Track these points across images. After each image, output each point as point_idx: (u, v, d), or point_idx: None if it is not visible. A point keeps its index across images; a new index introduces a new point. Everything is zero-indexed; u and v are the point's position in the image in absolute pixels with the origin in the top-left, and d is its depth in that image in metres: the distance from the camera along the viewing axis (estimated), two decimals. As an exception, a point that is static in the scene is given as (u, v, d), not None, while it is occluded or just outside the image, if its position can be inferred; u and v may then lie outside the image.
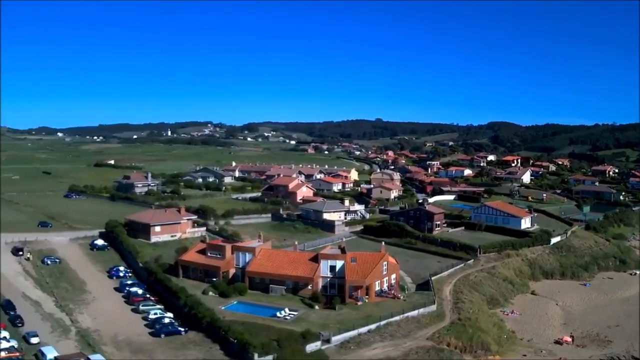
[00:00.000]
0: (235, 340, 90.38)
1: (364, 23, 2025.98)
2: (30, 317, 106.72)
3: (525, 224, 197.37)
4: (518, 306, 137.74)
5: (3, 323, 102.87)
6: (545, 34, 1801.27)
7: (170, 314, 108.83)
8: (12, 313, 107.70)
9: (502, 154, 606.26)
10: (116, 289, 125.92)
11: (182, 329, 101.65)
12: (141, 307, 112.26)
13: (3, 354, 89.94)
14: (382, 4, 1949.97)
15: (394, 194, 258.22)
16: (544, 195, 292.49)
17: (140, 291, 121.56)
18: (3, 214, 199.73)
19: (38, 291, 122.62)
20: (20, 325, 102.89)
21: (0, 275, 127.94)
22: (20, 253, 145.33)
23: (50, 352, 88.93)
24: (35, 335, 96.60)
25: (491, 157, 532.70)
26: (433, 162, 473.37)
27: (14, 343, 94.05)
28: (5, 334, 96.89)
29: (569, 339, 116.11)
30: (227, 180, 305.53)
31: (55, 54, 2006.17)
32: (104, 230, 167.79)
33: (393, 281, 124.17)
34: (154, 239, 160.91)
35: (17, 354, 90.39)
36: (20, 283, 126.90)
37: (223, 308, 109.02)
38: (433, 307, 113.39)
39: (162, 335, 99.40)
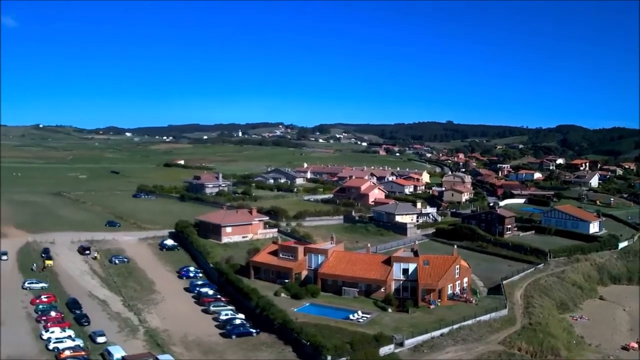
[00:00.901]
0: (308, 343, 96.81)
1: (435, 27, 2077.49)
2: (96, 316, 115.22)
3: (594, 228, 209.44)
4: (586, 311, 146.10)
5: (68, 322, 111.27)
6: (615, 38, 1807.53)
7: (242, 315, 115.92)
8: (77, 312, 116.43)
9: (571, 158, 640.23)
10: (186, 290, 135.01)
11: (254, 330, 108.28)
12: (212, 308, 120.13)
13: (67, 352, 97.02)
14: (448, 8, 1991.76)
15: (465, 196, 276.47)
16: (612, 199, 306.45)
17: (210, 292, 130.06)
18: (70, 212, 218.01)
19: (105, 290, 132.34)
20: (86, 324, 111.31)
21: (54, 273, 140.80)
22: (87, 252, 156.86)
23: (117, 352, 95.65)
24: (102, 335, 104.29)
25: (560, 161, 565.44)
26: (503, 165, 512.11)
27: (79, 342, 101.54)
28: (70, 332, 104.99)
29: (636, 345, 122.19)
30: (299, 181, 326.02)
31: (125, 54, 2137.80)
32: (173, 230, 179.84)
33: (465, 285, 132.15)
34: (225, 239, 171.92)
35: (83, 353, 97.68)
36: (87, 282, 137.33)
37: (295, 310, 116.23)
38: (504, 312, 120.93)
39: (234, 337, 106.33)
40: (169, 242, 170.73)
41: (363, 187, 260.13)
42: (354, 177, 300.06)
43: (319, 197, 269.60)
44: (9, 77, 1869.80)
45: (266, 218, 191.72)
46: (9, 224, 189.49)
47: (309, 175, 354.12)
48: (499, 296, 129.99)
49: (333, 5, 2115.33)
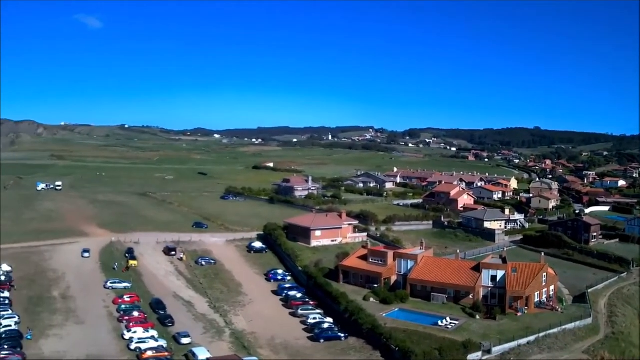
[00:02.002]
0: (397, 348, 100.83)
1: (522, 35, 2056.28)
2: (181, 317, 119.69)
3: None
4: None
5: (151, 322, 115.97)
6: None
7: (330, 319, 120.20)
8: (161, 312, 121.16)
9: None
10: (274, 292, 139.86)
11: (342, 335, 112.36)
12: (300, 311, 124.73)
13: (150, 353, 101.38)
14: (529, 15, 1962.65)
15: (552, 203, 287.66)
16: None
17: (299, 295, 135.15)
18: (156, 213, 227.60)
19: (191, 291, 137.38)
20: (170, 325, 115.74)
21: (138, 273, 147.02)
22: (173, 253, 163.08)
23: (202, 354, 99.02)
24: (187, 336, 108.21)
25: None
26: (589, 172, 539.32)
27: (162, 343, 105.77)
28: (153, 333, 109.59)
29: None
30: (389, 185, 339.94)
31: (214, 54, 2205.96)
32: (262, 232, 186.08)
33: (551, 292, 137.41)
34: (314, 243, 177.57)
35: (166, 353, 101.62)
36: (172, 283, 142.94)
37: (384, 315, 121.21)
38: (589, 320, 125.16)
39: (322, 340, 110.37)
40: (257, 244, 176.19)
41: (452, 193, 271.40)
42: (443, 183, 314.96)
43: (409, 202, 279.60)
44: (94, 77, 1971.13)
45: (356, 222, 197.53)
46: (92, 224, 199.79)
47: (398, 179, 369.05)
48: (584, 305, 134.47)
49: (429, 10, 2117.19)
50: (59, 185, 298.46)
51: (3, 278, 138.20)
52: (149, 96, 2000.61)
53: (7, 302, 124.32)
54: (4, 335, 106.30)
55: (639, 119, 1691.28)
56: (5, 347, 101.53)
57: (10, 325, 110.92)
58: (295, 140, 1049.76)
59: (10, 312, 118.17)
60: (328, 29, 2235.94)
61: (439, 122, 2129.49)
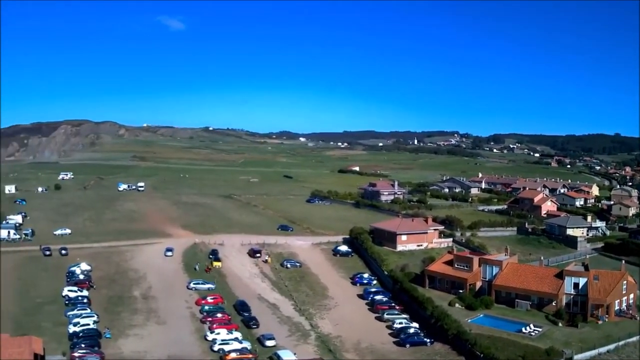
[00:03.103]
0: (482, 355, 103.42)
1: (603, 39, 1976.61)
2: (266, 320, 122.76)
3: None
4: None
5: (235, 324, 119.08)
6: None
7: (416, 324, 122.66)
8: (246, 314, 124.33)
9: None
10: (359, 296, 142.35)
11: (428, 340, 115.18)
12: (386, 316, 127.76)
13: (234, 354, 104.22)
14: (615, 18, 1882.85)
15: (632, 211, 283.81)
16: None
17: (384, 299, 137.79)
18: (240, 215, 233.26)
19: (276, 294, 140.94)
20: (254, 327, 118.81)
21: (222, 275, 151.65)
22: (258, 255, 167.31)
23: (287, 356, 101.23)
24: (272, 338, 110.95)
25: None
26: None
27: (246, 344, 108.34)
28: (237, 334, 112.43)
29: None
30: (474, 191, 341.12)
31: (300, 58, 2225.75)
32: (347, 236, 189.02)
33: (631, 301, 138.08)
34: (399, 247, 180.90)
35: (250, 355, 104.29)
36: (257, 285, 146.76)
37: (469, 321, 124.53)
38: None
39: (407, 345, 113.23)
40: (343, 248, 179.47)
41: (536, 199, 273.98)
42: (527, 189, 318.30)
43: (493, 207, 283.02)
44: (177, 79, 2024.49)
45: (441, 227, 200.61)
46: (175, 225, 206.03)
47: (483, 185, 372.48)
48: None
49: (514, 16, 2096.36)
50: (141, 186, 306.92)
51: (82, 277, 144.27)
52: (233, 98, 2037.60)
53: (85, 300, 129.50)
54: (81, 334, 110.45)
55: None
56: (83, 345, 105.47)
57: (89, 324, 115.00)
58: (380, 144, 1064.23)
59: (88, 310, 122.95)
60: (416, 34, 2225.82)
61: (522, 128, 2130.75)
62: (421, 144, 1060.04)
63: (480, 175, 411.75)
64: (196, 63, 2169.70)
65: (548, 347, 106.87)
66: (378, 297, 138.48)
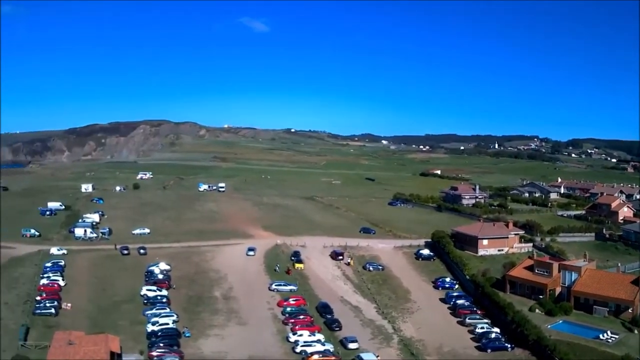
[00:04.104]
0: None
1: None
2: (348, 322, 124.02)
3: None
4: None
5: (317, 326, 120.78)
6: None
7: (497, 329, 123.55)
8: (328, 316, 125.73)
9: None
10: (441, 300, 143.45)
11: (509, 345, 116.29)
12: (467, 320, 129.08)
13: (316, 356, 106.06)
14: None
15: None
16: None
17: (466, 303, 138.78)
18: (322, 217, 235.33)
19: (358, 296, 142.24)
20: (337, 329, 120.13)
21: (304, 277, 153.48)
22: (340, 257, 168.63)
23: (369, 359, 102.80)
24: (354, 341, 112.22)
25: None
26: None
27: (329, 347, 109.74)
28: (319, 337, 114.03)
29: None
30: (553, 196, 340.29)
31: (382, 60, 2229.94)
32: (429, 240, 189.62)
33: None
34: (481, 252, 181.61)
35: (333, 358, 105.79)
36: (339, 287, 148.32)
37: (549, 327, 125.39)
38: None
39: (489, 350, 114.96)
40: (425, 251, 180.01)
41: (613, 205, 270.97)
42: (605, 194, 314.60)
43: (572, 213, 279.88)
44: (259, 81, 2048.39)
45: (522, 232, 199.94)
46: (257, 226, 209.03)
47: (562, 190, 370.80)
48: None
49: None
50: (222, 187, 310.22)
51: (161, 277, 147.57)
52: (315, 101, 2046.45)
53: (164, 300, 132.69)
54: (159, 333, 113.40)
55: None
56: (161, 344, 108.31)
57: (168, 324, 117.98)
58: (462, 147, 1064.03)
59: (167, 310, 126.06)
60: (494, 36, 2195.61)
61: (600, 133, 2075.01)
62: (501, 148, 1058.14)
63: (559, 180, 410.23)
64: (279, 65, 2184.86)
65: (624, 355, 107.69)
66: (460, 302, 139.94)
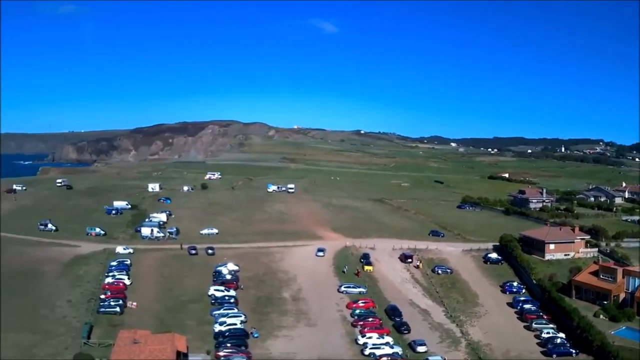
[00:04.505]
0: None
1: None
2: (417, 325, 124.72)
3: None
4: None
5: (387, 328, 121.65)
6: None
7: (562, 334, 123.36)
8: (397, 319, 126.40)
9: None
10: (509, 304, 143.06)
11: (573, 351, 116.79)
12: (534, 325, 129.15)
13: (385, 359, 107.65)
14: None
15: None
16: None
17: (533, 308, 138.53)
18: (391, 220, 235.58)
19: (427, 299, 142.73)
20: (405, 332, 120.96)
21: (373, 279, 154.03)
22: (409, 260, 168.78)
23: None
24: (423, 344, 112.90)
25: None
26: None
27: (398, 350, 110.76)
28: (388, 339, 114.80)
29: None
30: (618, 200, 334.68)
31: (453, 63, 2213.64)
32: (497, 244, 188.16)
33: None
34: (547, 256, 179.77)
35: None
36: (408, 290, 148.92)
37: (612, 332, 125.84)
38: None
39: (554, 356, 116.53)
40: (493, 255, 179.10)
41: None
42: None
43: (636, 217, 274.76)
44: (329, 82, 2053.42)
45: (587, 237, 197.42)
46: (326, 227, 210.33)
47: (626, 194, 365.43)
48: None
49: None
50: (291, 188, 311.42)
51: (229, 277, 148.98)
52: (385, 102, 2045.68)
53: (232, 300, 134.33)
54: (227, 333, 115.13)
55: None
56: (229, 345, 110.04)
57: (235, 324, 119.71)
58: (529, 151, 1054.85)
59: (235, 310, 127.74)
60: (567, 40, 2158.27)
61: None
62: (568, 152, 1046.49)
63: (624, 184, 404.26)
64: (348, 66, 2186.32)
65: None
66: (527, 306, 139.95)
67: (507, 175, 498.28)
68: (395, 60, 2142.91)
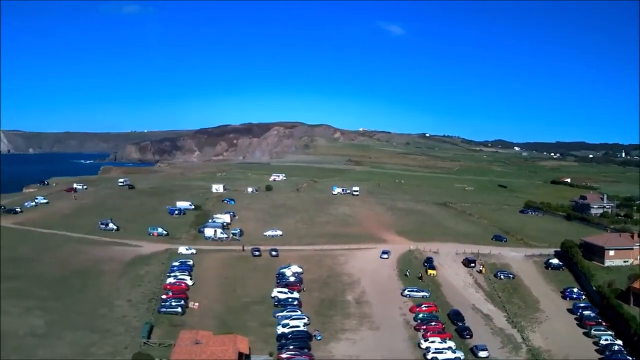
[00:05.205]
0: None
1: None
2: (479, 330, 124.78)
3: None
4: None
5: (449, 333, 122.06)
6: None
7: (620, 342, 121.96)
8: (460, 324, 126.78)
9: None
10: (569, 311, 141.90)
11: (630, 358, 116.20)
12: (593, 332, 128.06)
13: None
14: None
15: None
16: None
17: (592, 315, 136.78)
18: (455, 224, 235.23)
19: (489, 305, 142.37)
20: (468, 337, 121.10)
21: (436, 283, 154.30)
22: (472, 265, 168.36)
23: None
24: (485, 349, 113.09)
25: None
26: None
27: (459, 354, 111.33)
28: (450, 344, 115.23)
29: None
30: None
31: (516, 65, 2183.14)
32: (559, 249, 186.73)
33: None
34: (607, 262, 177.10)
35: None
36: (471, 295, 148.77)
37: None
38: None
39: None
40: (554, 261, 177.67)
41: None
42: None
43: None
44: (394, 85, 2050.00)
45: None
46: (390, 230, 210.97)
47: None
48: None
49: None
50: (355, 191, 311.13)
51: (292, 279, 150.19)
52: (449, 106, 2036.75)
53: (295, 302, 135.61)
54: (290, 335, 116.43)
55: None
56: (291, 347, 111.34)
57: (298, 326, 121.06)
58: (591, 156, 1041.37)
59: (298, 312, 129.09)
60: (624, 46, 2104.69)
61: None
62: (628, 157, 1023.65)
63: None
64: (414, 68, 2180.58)
65: None
66: (587, 313, 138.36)
67: (569, 180, 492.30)
68: (461, 64, 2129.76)
